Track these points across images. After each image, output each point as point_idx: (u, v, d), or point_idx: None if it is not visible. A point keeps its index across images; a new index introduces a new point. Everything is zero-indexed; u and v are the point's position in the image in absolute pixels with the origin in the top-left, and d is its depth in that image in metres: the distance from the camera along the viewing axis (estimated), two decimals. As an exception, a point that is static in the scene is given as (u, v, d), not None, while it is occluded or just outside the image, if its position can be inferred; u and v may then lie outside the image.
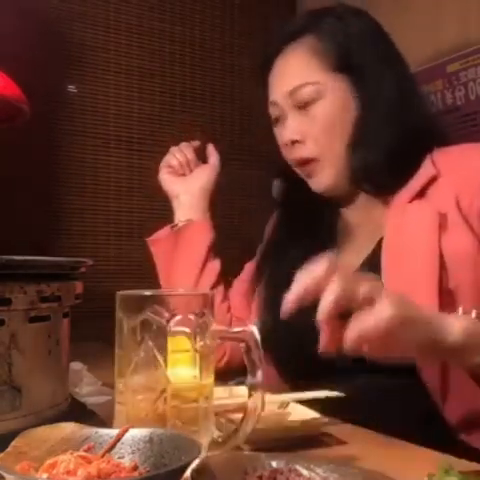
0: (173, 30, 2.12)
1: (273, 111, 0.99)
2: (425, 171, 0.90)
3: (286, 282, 0.89)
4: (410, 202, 0.89)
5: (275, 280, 0.99)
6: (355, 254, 0.95)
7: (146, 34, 2.08)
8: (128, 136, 2.04)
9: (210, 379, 0.56)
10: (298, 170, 1.00)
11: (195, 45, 2.17)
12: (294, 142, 0.95)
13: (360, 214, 1.00)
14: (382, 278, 0.84)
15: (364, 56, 0.93)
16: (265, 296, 1.02)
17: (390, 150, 0.91)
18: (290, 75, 0.95)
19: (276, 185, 1.11)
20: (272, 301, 0.95)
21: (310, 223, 1.02)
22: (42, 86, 1.74)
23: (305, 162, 0.96)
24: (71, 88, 1.95)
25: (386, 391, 0.84)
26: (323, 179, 0.96)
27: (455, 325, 0.62)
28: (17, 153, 1.75)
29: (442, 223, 0.84)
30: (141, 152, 2.04)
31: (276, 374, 0.98)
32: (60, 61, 1.91)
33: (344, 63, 0.93)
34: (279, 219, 1.10)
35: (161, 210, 2.10)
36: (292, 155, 0.98)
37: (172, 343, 0.54)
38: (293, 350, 0.93)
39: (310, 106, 0.93)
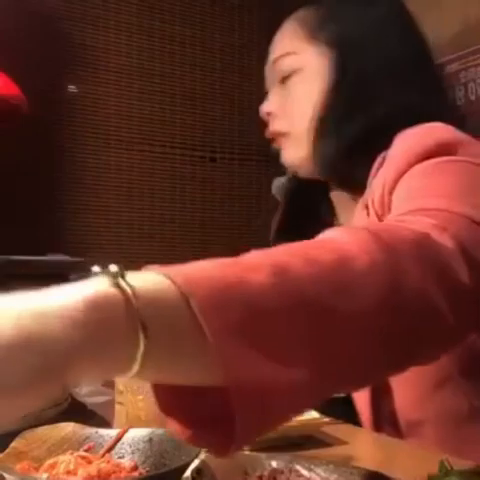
0: (173, 30, 2.12)
1: (267, 85, 0.93)
2: (376, 161, 0.79)
3: None
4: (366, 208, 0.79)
5: None
6: None
7: (146, 34, 2.08)
8: (128, 136, 2.05)
9: (210, 379, 0.56)
10: (274, 145, 0.92)
11: (195, 45, 2.17)
12: (269, 115, 0.90)
13: (335, 201, 0.91)
14: None
15: (351, 33, 0.83)
16: None
17: (356, 140, 0.80)
18: (276, 45, 0.89)
19: (276, 183, 1.09)
20: None
21: (312, 211, 0.96)
22: (42, 86, 1.74)
23: (276, 135, 0.89)
24: (71, 88, 1.95)
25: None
26: (288, 155, 0.89)
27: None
28: (17, 153, 1.75)
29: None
30: (141, 152, 2.04)
31: None
32: (60, 61, 1.91)
33: (328, 37, 0.83)
34: (282, 211, 1.02)
35: (161, 210, 2.11)
36: (268, 128, 0.91)
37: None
38: None
39: (289, 79, 0.87)
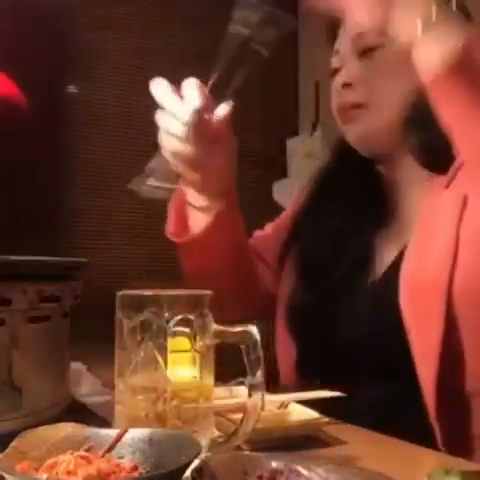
0: (173, 30, 2.12)
1: (334, 61, 0.92)
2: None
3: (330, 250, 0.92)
4: (446, 187, 0.81)
5: (317, 249, 0.94)
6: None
7: (146, 34, 2.08)
8: (128, 136, 2.05)
9: (210, 379, 0.56)
10: (341, 117, 0.91)
11: (195, 45, 2.17)
12: (345, 86, 0.88)
13: (402, 177, 0.92)
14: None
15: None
16: (302, 268, 0.96)
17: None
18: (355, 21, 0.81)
19: (277, 187, 1.10)
20: (311, 277, 0.94)
21: (353, 187, 0.95)
22: (42, 86, 1.74)
23: (352, 106, 0.88)
24: (71, 88, 1.95)
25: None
26: (364, 125, 0.88)
27: None
28: (17, 153, 1.75)
29: (463, 208, 0.77)
30: (141, 152, 2.04)
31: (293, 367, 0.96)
32: (60, 61, 1.91)
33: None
34: (317, 188, 1.01)
35: (161, 210, 2.10)
36: (341, 99, 0.90)
37: (172, 343, 0.54)
38: (320, 335, 0.91)
39: (372, 52, 0.86)
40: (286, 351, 0.97)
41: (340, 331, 0.88)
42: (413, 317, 0.77)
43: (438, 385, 0.75)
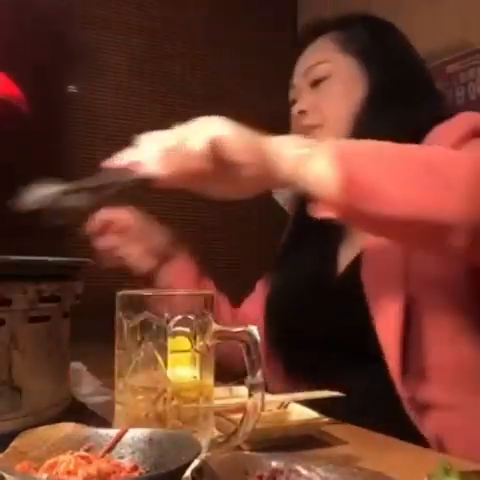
0: (173, 30, 2.12)
1: (291, 94, 1.09)
2: None
3: (302, 282, 1.02)
4: None
5: (290, 282, 1.04)
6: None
7: (146, 34, 2.08)
8: (128, 136, 2.05)
9: (210, 379, 0.56)
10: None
11: (195, 45, 2.17)
12: (301, 112, 1.04)
13: None
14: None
15: (376, 47, 1.03)
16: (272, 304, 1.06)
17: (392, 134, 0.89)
18: (308, 58, 1.06)
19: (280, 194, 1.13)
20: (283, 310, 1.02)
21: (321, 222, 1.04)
22: (42, 86, 1.74)
23: (309, 129, 1.02)
24: (71, 88, 1.95)
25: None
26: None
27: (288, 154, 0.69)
28: (17, 153, 1.75)
29: None
30: (141, 152, 2.04)
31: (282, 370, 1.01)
32: (60, 61, 1.91)
33: (357, 48, 1.02)
34: (292, 222, 1.13)
35: (161, 210, 2.10)
36: (298, 124, 1.04)
37: (172, 343, 0.54)
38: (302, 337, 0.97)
39: (321, 83, 1.03)
40: (272, 367, 1.01)
41: (317, 328, 0.95)
42: (376, 302, 0.85)
43: (402, 365, 0.82)
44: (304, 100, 1.04)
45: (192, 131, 0.69)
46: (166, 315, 0.53)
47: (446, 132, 0.87)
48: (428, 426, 0.81)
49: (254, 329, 0.55)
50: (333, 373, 0.86)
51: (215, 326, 0.56)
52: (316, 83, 1.03)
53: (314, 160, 0.68)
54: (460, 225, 0.65)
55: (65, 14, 1.92)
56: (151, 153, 0.71)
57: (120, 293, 0.57)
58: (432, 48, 1.75)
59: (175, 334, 0.54)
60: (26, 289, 0.61)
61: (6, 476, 0.40)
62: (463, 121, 0.88)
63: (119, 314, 0.56)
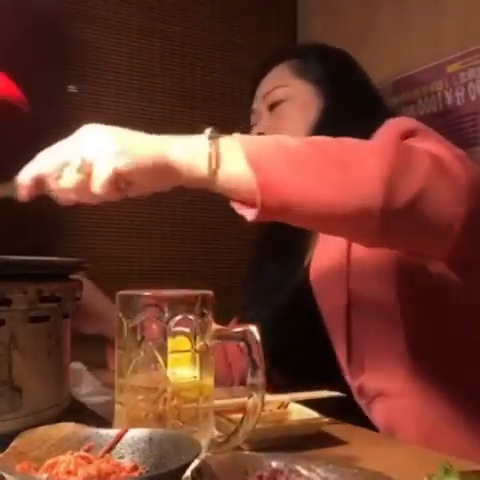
0: (173, 30, 2.12)
1: (253, 119, 1.17)
2: None
3: (264, 300, 1.07)
4: None
5: (252, 301, 1.10)
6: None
7: (146, 34, 2.08)
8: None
9: (210, 379, 0.56)
10: None
11: (195, 45, 2.17)
12: (260, 134, 1.09)
13: None
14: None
15: (328, 74, 1.11)
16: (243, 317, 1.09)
17: None
18: (267, 83, 1.15)
19: None
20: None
21: (284, 238, 1.10)
22: (42, 86, 1.74)
23: None
24: (71, 88, 1.95)
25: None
26: None
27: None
28: (17, 153, 1.75)
29: None
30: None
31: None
32: (60, 61, 1.91)
33: (311, 74, 1.11)
34: (256, 241, 1.19)
35: (161, 209, 2.11)
36: None
37: (172, 343, 0.54)
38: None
39: (278, 106, 1.11)
40: None
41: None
42: (323, 298, 0.93)
43: (348, 355, 0.89)
44: (263, 123, 1.12)
45: (74, 153, 0.69)
46: (166, 315, 0.53)
47: (376, 138, 0.93)
48: (376, 414, 0.87)
49: (254, 329, 0.55)
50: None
51: (215, 326, 0.56)
52: (274, 106, 1.11)
53: (227, 162, 0.68)
54: (374, 207, 0.68)
55: (65, 14, 1.92)
56: (31, 174, 0.75)
57: (120, 293, 0.57)
58: (432, 48, 1.75)
59: (175, 334, 0.54)
60: (26, 289, 0.61)
61: (6, 476, 0.40)
62: (390, 128, 0.93)
63: (119, 314, 0.56)
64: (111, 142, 0.66)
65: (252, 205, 0.67)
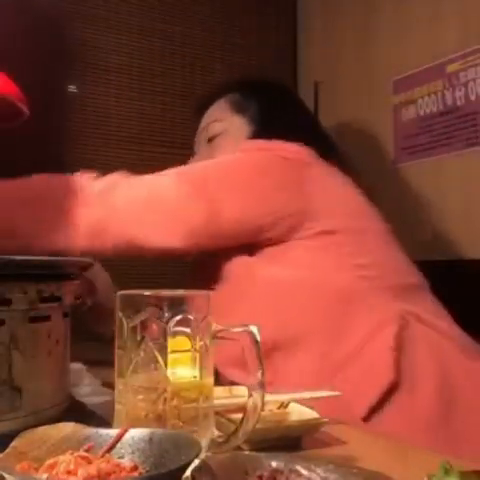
0: (173, 30, 2.12)
1: (195, 148, 1.28)
2: None
3: None
4: None
5: None
6: None
7: (146, 34, 2.08)
8: (128, 136, 2.04)
9: (210, 379, 0.56)
10: None
11: (195, 45, 2.17)
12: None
13: None
14: None
15: (262, 107, 1.20)
16: None
17: None
18: (207, 116, 1.25)
19: None
20: None
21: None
22: (42, 86, 1.74)
23: None
24: (71, 88, 1.95)
25: None
26: None
27: None
28: (17, 153, 1.75)
29: None
30: (141, 152, 2.04)
31: None
32: (60, 61, 1.91)
33: (246, 108, 1.20)
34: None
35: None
36: None
37: (172, 343, 0.54)
38: None
39: (215, 139, 1.21)
40: None
41: None
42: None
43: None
44: (200, 153, 1.23)
45: None
46: (166, 315, 0.53)
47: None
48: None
49: (254, 329, 0.55)
50: None
51: (215, 326, 0.56)
52: (211, 139, 1.21)
53: None
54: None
55: (65, 14, 1.92)
56: None
57: (120, 293, 0.57)
58: (432, 48, 1.75)
59: (175, 334, 0.54)
60: (26, 289, 0.61)
61: (6, 476, 0.40)
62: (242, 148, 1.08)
63: (119, 314, 0.56)
64: None
65: None
